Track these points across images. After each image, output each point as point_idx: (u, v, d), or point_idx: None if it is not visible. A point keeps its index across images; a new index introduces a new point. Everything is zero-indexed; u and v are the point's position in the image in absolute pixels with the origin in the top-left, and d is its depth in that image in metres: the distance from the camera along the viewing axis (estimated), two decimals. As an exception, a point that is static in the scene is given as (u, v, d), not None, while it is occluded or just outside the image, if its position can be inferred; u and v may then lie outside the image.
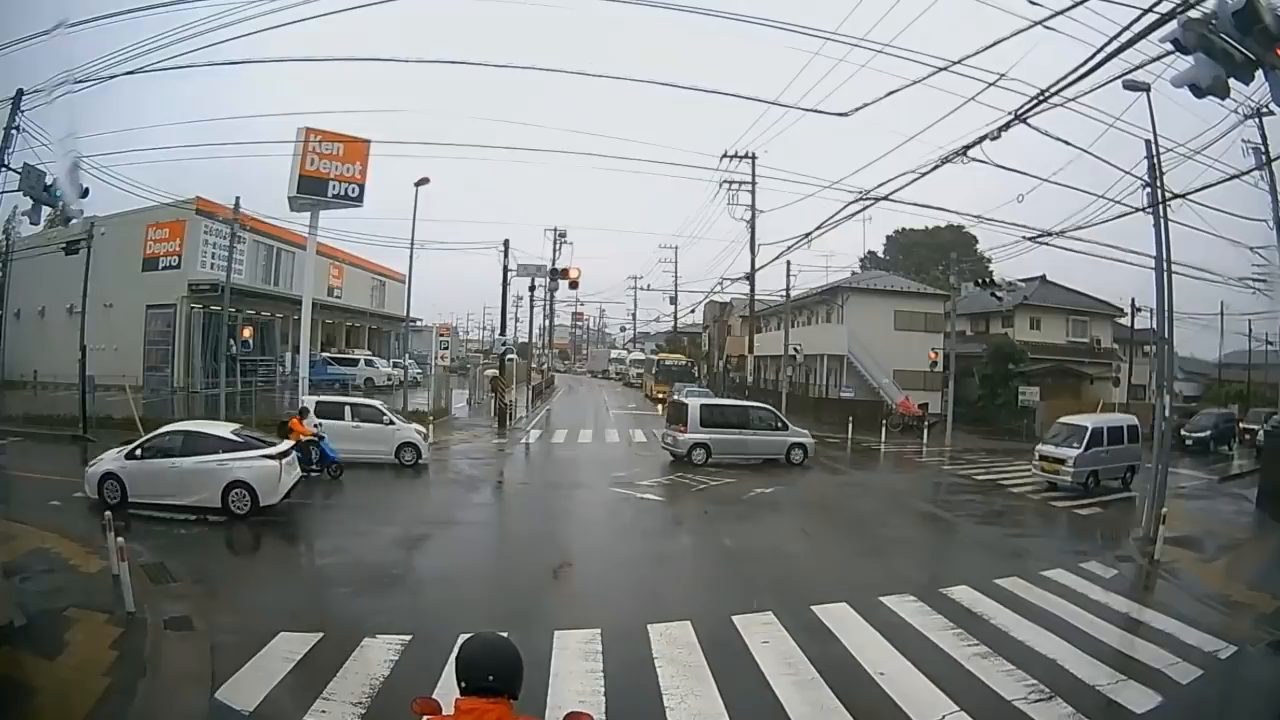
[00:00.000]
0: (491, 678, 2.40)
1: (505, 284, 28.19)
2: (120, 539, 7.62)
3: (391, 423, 17.58)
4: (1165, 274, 12.98)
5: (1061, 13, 8.85)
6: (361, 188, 24.05)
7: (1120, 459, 17.94)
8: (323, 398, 18.94)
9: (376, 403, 18.71)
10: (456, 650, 2.49)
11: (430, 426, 22.76)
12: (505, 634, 2.69)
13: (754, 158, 31.47)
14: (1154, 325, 17.51)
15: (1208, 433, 26.80)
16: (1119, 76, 9.81)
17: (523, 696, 2.49)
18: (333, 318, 40.20)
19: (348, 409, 17.58)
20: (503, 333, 29.78)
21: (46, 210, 12.50)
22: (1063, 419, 19.20)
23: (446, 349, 38.50)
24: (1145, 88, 11.48)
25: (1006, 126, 10.71)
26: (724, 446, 19.26)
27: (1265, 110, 13.76)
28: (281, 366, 31.98)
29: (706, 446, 19.06)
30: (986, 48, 9.93)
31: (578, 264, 31.71)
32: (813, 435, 20.80)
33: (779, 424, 20.47)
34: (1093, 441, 17.39)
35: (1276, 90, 6.10)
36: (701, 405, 20.31)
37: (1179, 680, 6.65)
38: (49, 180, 12.10)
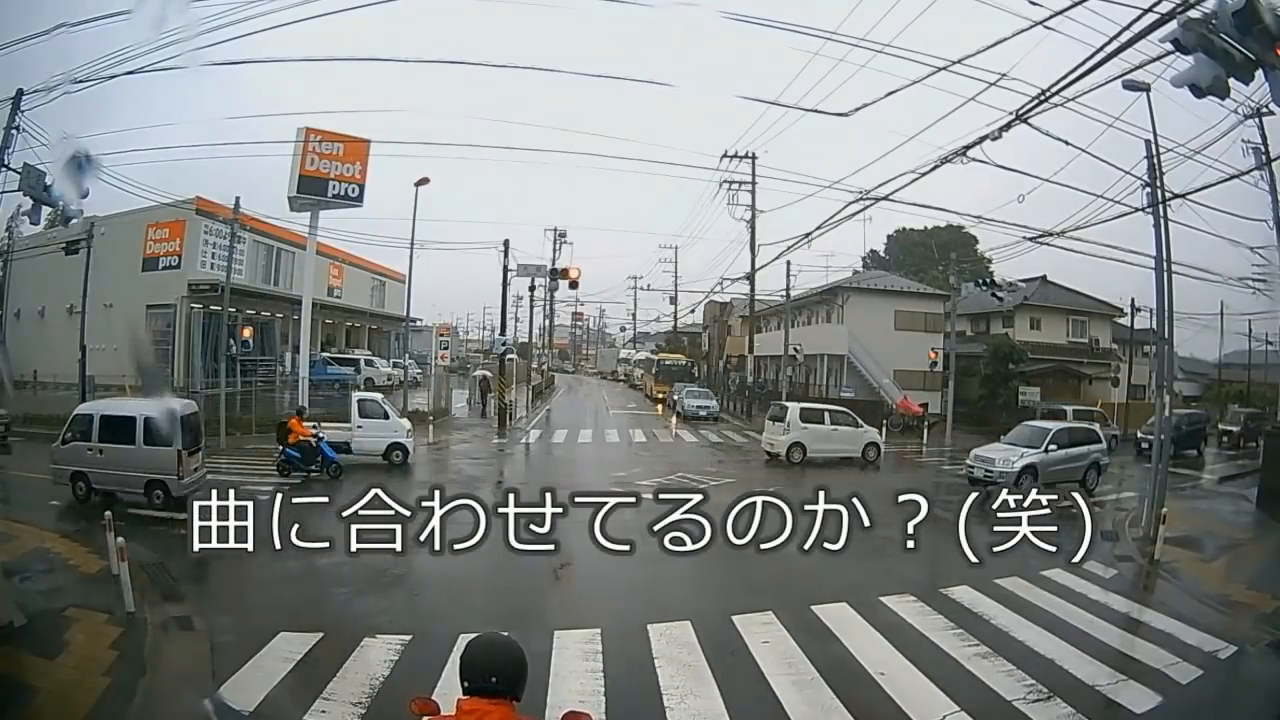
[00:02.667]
0: (495, 679, 2.38)
1: (505, 284, 28.07)
2: (120, 539, 7.62)
3: (859, 425, 21.11)
4: (1165, 274, 12.98)
5: (1061, 12, 8.86)
6: (361, 188, 24.04)
7: None
8: (805, 405, 22.09)
9: (843, 408, 22.35)
10: (460, 650, 2.48)
11: (430, 427, 22.80)
12: (508, 634, 2.68)
13: (754, 158, 31.29)
14: (1154, 325, 17.45)
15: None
16: (1119, 76, 9.82)
17: (524, 696, 2.48)
18: (333, 318, 40.08)
19: (827, 415, 21.11)
20: (503, 333, 29.71)
21: (46, 210, 12.49)
22: None
23: (446, 349, 38.38)
24: (1145, 88, 11.48)
25: (1007, 126, 10.73)
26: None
27: (1265, 110, 13.75)
28: (281, 366, 31.93)
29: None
30: (986, 48, 9.96)
31: (578, 264, 31.59)
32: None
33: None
34: None
35: (1276, 90, 6.10)
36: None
37: (1179, 680, 6.65)
38: (49, 180, 12.08)
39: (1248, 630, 8.17)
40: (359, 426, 16.97)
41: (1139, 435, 24.32)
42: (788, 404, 21.86)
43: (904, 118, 16.11)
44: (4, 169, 13.51)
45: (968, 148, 11.65)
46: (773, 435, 20.55)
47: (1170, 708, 6.15)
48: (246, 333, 25.44)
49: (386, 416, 17.34)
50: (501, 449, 21.78)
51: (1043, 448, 16.13)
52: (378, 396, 18.24)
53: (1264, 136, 14.73)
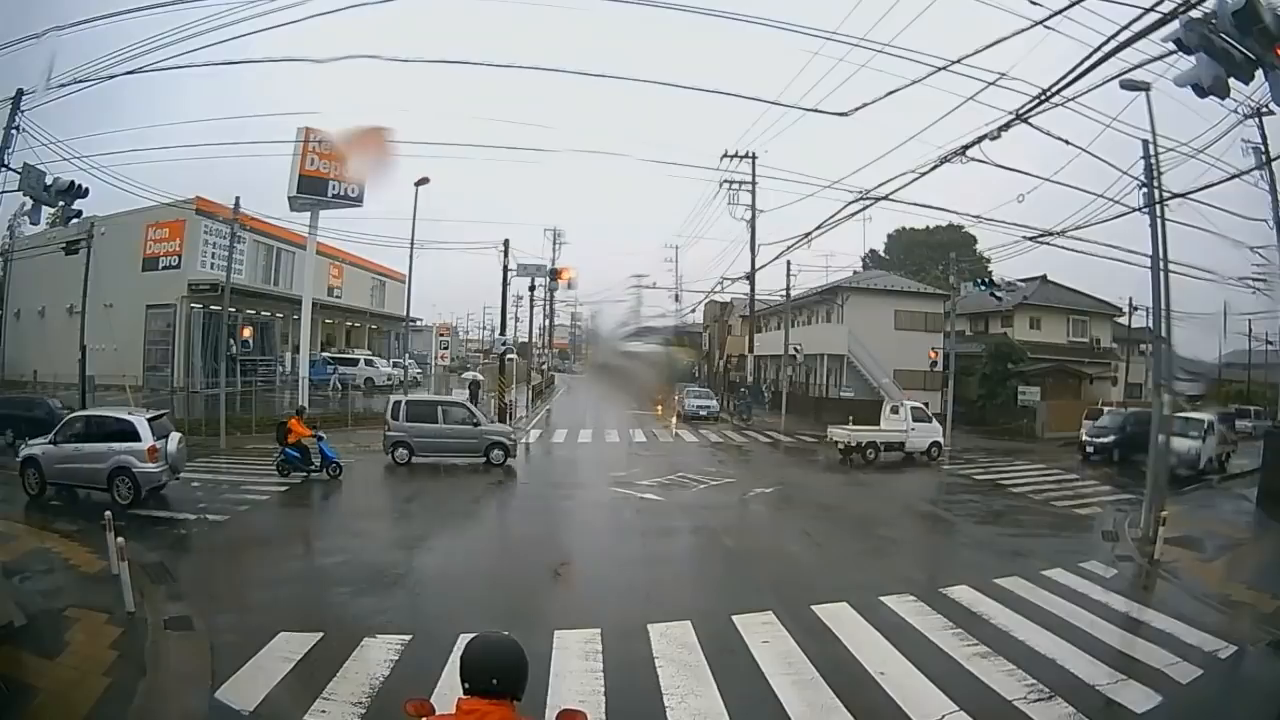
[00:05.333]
0: (495, 680, 2.37)
1: (505, 284, 28.17)
2: (120, 539, 7.62)
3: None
4: (1162, 274, 12.97)
5: (1061, 12, 8.84)
6: (361, 188, 24.07)
7: None
8: (1115, 409, 24.46)
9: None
10: (460, 650, 2.48)
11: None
12: (508, 634, 2.67)
13: (754, 157, 31.41)
14: (1150, 325, 17.31)
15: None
16: (1118, 76, 9.80)
17: (524, 696, 2.48)
18: (333, 318, 40.15)
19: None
20: (502, 333, 29.75)
21: (47, 210, 12.47)
22: None
23: (446, 349, 38.50)
24: (1144, 87, 11.47)
25: (1006, 126, 10.69)
26: None
27: (1265, 110, 13.74)
28: (281, 366, 31.97)
29: None
30: (986, 47, 9.92)
31: (579, 264, 31.90)
32: (812, 434, 20.91)
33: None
34: None
35: (1276, 90, 6.10)
36: None
37: (1179, 680, 6.64)
38: (48, 180, 12.06)
39: (1248, 630, 8.16)
40: (912, 429, 20.89)
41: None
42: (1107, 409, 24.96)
43: (904, 118, 16.10)
44: (4, 169, 13.49)
45: (967, 147, 11.61)
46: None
47: (1170, 708, 6.14)
48: (246, 333, 25.46)
49: (930, 420, 21.63)
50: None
51: (49, 439, 12.41)
52: (921, 404, 22.14)
53: (1264, 136, 14.72)
